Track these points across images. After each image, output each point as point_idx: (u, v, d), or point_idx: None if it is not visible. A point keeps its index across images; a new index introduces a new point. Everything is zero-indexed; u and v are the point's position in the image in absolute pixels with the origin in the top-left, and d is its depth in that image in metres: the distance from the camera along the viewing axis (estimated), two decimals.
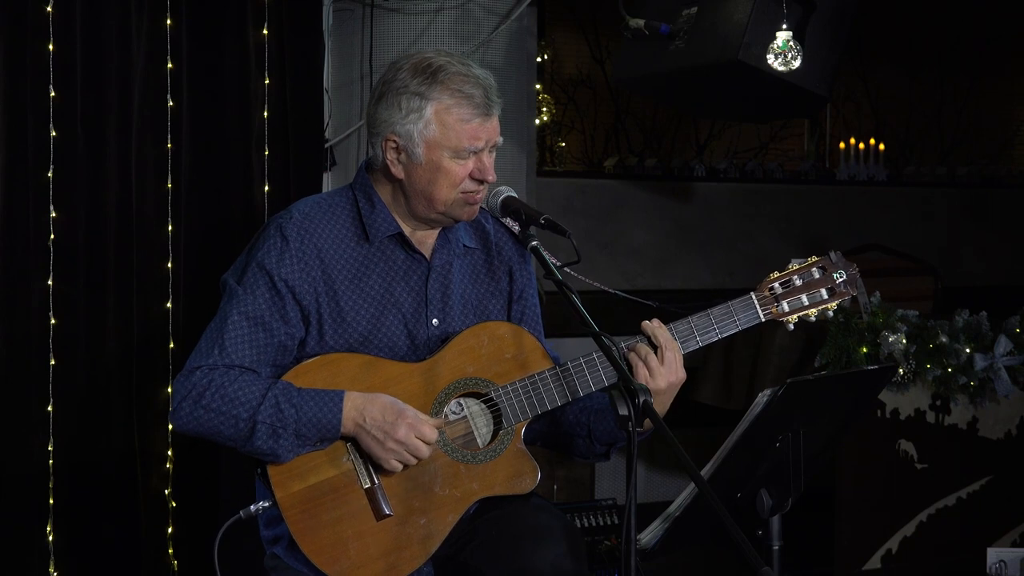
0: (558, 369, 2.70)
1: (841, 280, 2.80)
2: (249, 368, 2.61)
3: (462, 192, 2.70)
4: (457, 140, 2.66)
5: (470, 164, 2.68)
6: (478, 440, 2.71)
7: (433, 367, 2.67)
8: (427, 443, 2.60)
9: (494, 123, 2.71)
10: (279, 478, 2.61)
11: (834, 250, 2.85)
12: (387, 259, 2.75)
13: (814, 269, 2.80)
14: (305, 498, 2.60)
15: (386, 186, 2.77)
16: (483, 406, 2.71)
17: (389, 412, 2.59)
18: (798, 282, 2.79)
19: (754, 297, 2.77)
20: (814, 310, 2.79)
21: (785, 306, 2.78)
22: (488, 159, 2.71)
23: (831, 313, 2.81)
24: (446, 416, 2.69)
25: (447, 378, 2.68)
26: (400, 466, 2.60)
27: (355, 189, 2.79)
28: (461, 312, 2.77)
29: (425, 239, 2.78)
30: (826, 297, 2.80)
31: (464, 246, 2.83)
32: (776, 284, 2.78)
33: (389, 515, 2.61)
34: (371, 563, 2.60)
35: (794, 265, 2.81)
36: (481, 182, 2.70)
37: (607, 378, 2.68)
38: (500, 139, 2.73)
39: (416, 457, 2.60)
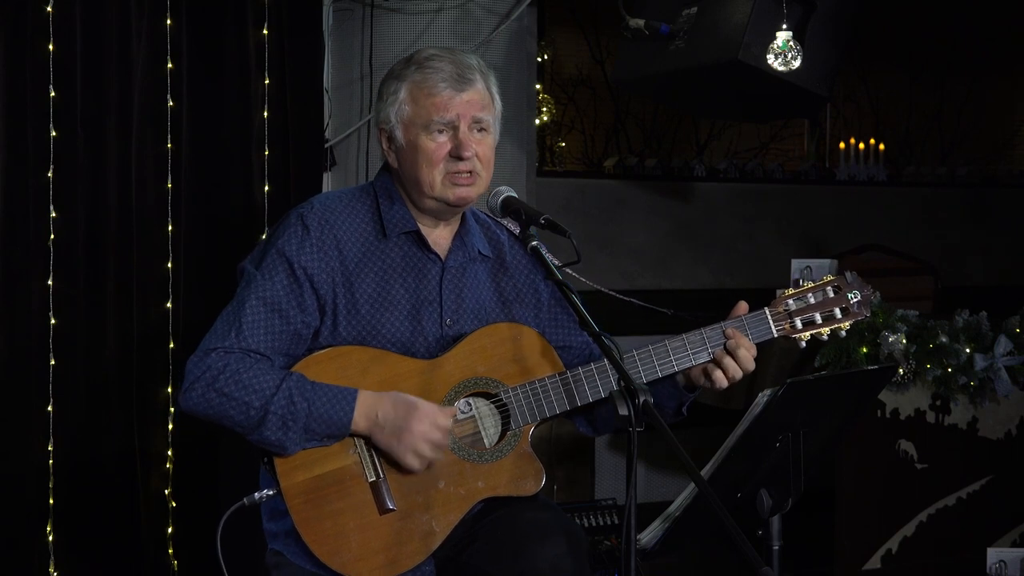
0: (568, 374, 2.70)
1: (855, 300, 2.79)
2: (263, 355, 2.60)
3: (446, 173, 2.68)
4: (427, 114, 2.66)
5: (446, 142, 2.68)
6: (485, 440, 2.70)
7: (443, 365, 2.68)
8: (443, 430, 2.59)
9: (468, 97, 2.68)
10: (284, 467, 2.61)
11: (850, 270, 2.84)
12: (403, 256, 2.74)
13: (828, 288, 2.79)
14: (309, 488, 2.61)
15: (397, 181, 2.78)
16: (492, 407, 2.71)
17: (401, 407, 2.59)
18: (812, 300, 2.78)
19: (768, 313, 2.77)
20: (827, 328, 2.78)
21: (798, 323, 2.77)
22: (467, 136, 2.68)
23: (843, 333, 2.80)
24: (454, 415, 2.69)
25: (457, 376, 2.68)
26: (418, 464, 2.59)
27: (376, 186, 2.81)
28: (474, 317, 2.76)
29: (440, 240, 2.79)
30: (839, 316, 2.79)
31: (479, 252, 2.83)
32: (790, 301, 2.78)
33: (392, 509, 2.61)
34: (372, 556, 2.61)
35: (808, 283, 2.80)
36: (460, 159, 2.67)
37: (616, 384, 2.66)
38: (486, 116, 2.71)
39: (437, 445, 2.59)
